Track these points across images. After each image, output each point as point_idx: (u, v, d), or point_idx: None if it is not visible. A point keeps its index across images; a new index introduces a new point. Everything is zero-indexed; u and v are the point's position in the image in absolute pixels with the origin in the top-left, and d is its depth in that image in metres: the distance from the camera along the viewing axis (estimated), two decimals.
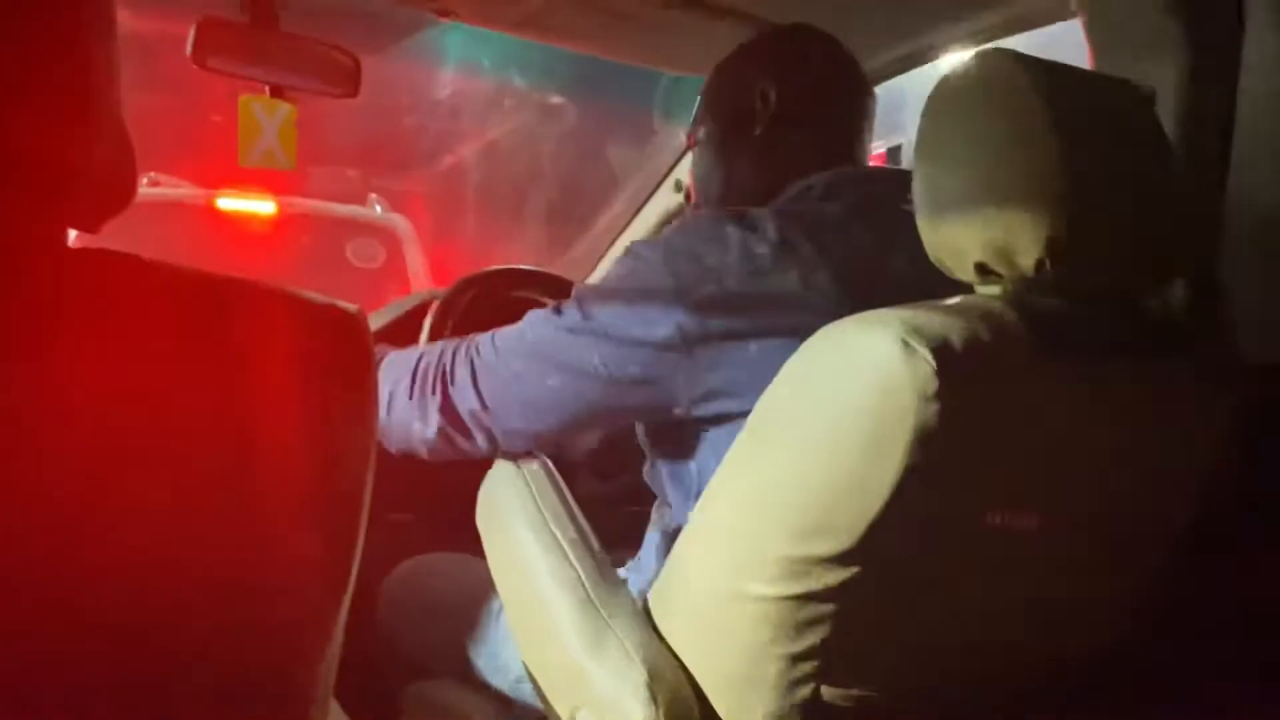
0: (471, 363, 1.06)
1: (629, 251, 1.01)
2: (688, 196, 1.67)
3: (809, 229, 0.96)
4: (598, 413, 1.02)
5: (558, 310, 1.02)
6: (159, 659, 0.57)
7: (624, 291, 0.98)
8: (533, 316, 1.04)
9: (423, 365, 1.10)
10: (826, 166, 1.08)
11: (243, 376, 0.55)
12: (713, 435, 0.98)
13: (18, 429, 0.51)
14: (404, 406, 1.09)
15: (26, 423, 0.51)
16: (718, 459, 0.95)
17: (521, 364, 1.02)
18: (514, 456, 1.07)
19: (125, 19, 0.59)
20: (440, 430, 1.07)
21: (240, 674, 0.60)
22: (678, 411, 0.98)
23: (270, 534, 0.57)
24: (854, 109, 1.16)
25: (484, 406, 1.04)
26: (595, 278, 1.02)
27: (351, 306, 0.61)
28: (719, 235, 0.95)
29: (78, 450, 0.52)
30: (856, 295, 0.91)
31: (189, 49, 1.32)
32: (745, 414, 0.91)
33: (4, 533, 0.50)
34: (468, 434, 1.06)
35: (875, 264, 0.96)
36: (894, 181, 1.07)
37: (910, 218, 1.08)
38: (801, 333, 0.88)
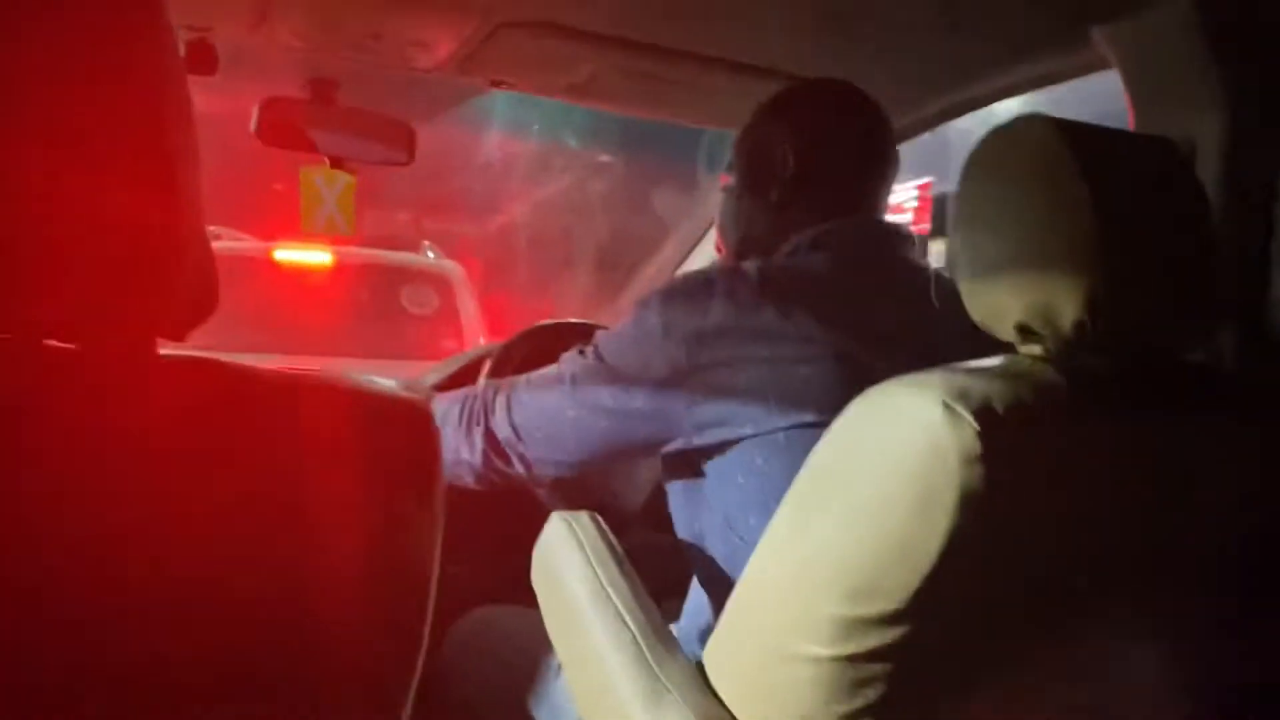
0: (509, 397, 1.18)
1: (637, 302, 1.13)
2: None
3: (789, 275, 1.07)
4: (612, 444, 1.13)
5: (581, 353, 1.15)
6: None
7: (628, 335, 1.10)
8: (563, 358, 1.17)
9: (469, 400, 1.23)
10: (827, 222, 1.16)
11: (314, 470, 0.58)
12: (717, 463, 1.08)
13: (106, 522, 0.54)
14: (452, 436, 1.21)
15: (115, 517, 0.55)
16: (726, 484, 1.07)
17: (548, 399, 1.14)
18: (567, 513, 1.11)
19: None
20: (483, 455, 1.19)
21: None
22: (680, 441, 1.08)
23: (341, 619, 0.60)
24: (869, 172, 1.20)
25: (517, 436, 1.17)
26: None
27: (419, 397, 0.64)
28: (707, 282, 1.07)
29: (160, 540, 0.56)
30: (836, 331, 1.02)
31: (253, 126, 1.39)
32: (741, 440, 1.04)
33: (82, 617, 0.54)
34: (506, 460, 1.19)
35: (856, 304, 1.06)
36: (885, 231, 1.18)
37: (903, 263, 1.13)
38: (783, 361, 1.01)
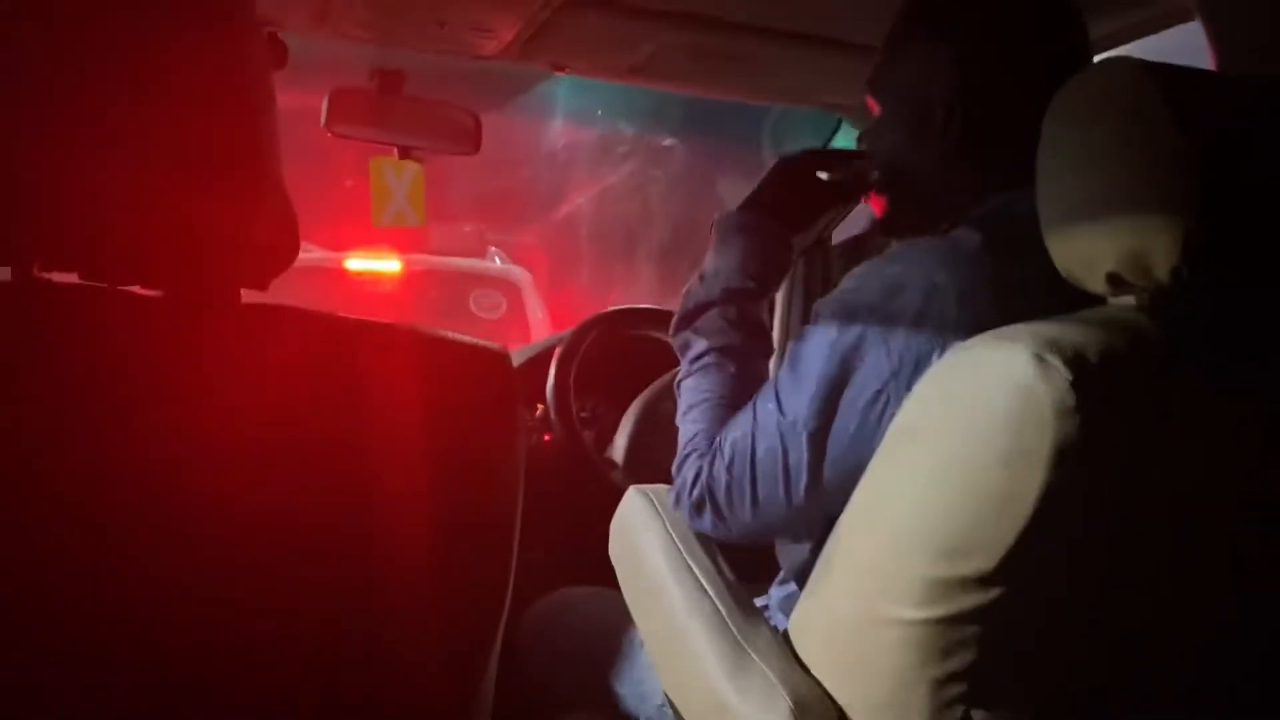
0: (726, 485, 0.97)
1: (825, 313, 0.94)
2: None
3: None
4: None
5: (777, 404, 0.94)
6: (311, 692, 0.60)
7: (822, 349, 0.92)
8: (746, 413, 0.97)
9: (688, 485, 1.01)
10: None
11: (393, 414, 0.58)
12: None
13: (190, 465, 0.55)
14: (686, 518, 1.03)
15: (200, 460, 0.55)
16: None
17: (746, 450, 0.95)
18: (645, 485, 1.09)
19: None
20: (711, 526, 1.01)
21: (398, 712, 0.63)
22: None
23: (422, 571, 0.60)
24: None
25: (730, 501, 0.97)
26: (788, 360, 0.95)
27: (496, 346, 0.64)
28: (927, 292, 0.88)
29: (243, 484, 0.56)
30: None
31: (323, 118, 1.41)
32: None
33: (155, 555, 0.54)
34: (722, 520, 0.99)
35: None
36: None
37: None
38: None
